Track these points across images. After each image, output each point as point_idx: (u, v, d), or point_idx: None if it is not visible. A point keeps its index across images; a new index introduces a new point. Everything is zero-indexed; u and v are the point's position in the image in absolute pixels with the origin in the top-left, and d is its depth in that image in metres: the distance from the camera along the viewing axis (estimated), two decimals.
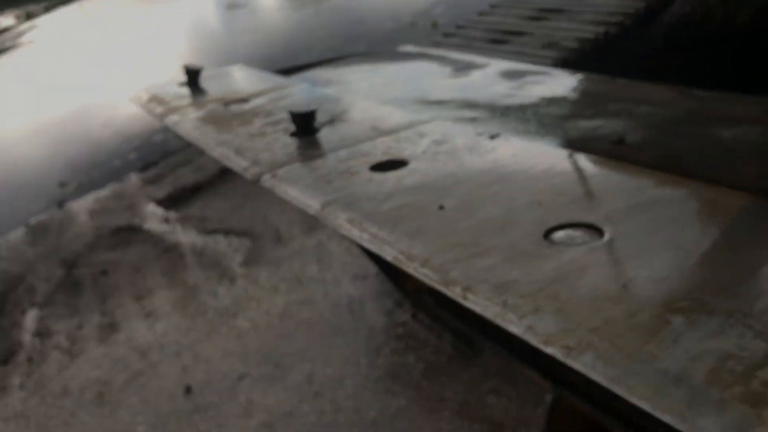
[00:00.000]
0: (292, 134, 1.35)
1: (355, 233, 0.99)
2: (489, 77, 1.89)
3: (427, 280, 0.86)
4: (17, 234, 4.91)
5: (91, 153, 6.03)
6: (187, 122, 1.52)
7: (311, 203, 1.09)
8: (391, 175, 1.14)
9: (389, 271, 1.83)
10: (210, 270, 3.33)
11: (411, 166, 1.16)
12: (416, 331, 2.49)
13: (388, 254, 0.92)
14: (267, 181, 1.18)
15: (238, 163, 1.29)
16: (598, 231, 0.91)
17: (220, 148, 1.35)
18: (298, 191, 1.13)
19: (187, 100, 1.69)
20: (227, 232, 3.67)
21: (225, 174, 4.39)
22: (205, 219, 3.94)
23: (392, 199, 1.04)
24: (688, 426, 0.58)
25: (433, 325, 2.49)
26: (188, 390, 2.52)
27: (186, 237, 3.79)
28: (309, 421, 2.25)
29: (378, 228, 0.97)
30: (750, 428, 0.56)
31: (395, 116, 1.42)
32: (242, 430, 2.28)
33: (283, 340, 2.65)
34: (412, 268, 0.88)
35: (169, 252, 3.67)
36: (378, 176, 1.14)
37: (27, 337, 3.33)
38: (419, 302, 1.86)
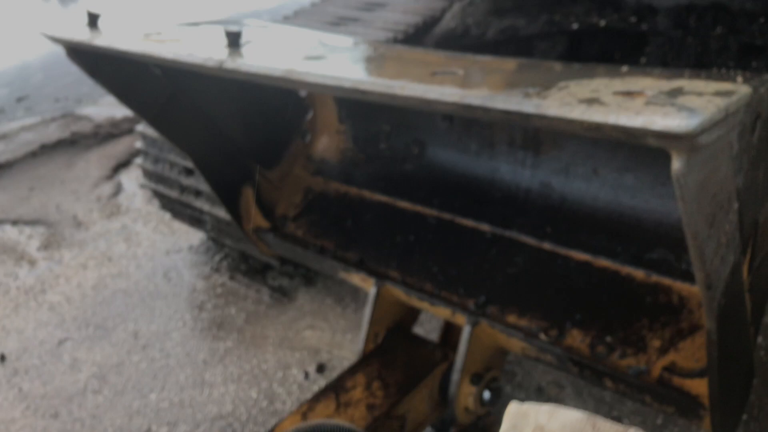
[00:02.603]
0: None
1: None
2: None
3: None
4: None
5: None
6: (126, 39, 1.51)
7: None
8: None
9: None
10: (2, 255, 3.25)
11: None
12: (235, 289, 2.80)
13: None
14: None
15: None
16: None
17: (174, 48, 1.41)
18: None
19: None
20: (15, 222, 3.58)
21: (1, 169, 4.21)
22: None
23: None
24: None
25: (251, 283, 2.82)
26: (2, 358, 2.52)
27: None
28: (141, 368, 2.43)
29: None
30: None
31: None
32: (72, 383, 2.38)
33: (101, 307, 2.76)
34: None
35: None
36: None
37: None
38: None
